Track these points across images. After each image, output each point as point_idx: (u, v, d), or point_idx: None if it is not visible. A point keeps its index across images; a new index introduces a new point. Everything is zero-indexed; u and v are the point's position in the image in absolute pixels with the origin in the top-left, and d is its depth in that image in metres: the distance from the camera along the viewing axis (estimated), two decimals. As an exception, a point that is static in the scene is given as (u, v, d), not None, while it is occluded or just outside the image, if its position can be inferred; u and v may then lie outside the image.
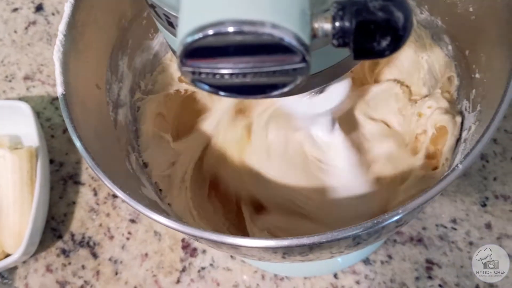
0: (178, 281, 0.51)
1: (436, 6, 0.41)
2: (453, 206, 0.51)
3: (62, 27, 0.35)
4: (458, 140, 0.40)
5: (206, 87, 0.21)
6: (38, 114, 0.61)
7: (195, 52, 0.19)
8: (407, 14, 0.19)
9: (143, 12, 0.43)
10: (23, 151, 0.53)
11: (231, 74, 0.20)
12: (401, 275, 0.49)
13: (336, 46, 0.20)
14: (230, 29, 0.18)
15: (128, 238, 0.54)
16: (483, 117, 0.34)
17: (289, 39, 0.19)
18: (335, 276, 0.50)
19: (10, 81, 0.65)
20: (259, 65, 0.20)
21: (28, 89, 0.64)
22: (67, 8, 0.35)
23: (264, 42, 0.19)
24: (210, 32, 0.19)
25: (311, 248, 0.30)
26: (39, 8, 0.70)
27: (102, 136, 0.38)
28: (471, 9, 0.36)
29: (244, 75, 0.20)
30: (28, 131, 0.55)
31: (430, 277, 0.48)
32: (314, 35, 0.20)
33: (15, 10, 0.70)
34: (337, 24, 0.19)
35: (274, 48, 0.19)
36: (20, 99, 0.62)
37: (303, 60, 0.19)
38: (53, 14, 0.69)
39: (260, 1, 0.18)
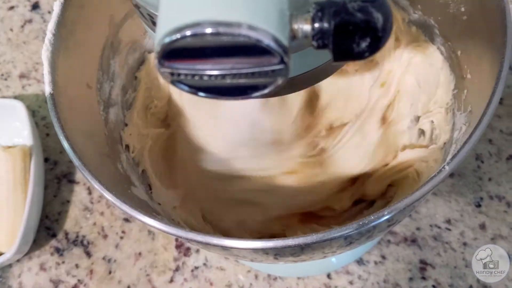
0: (171, 281, 0.51)
1: (429, 6, 0.41)
2: (448, 207, 0.51)
3: (51, 26, 0.34)
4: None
5: (186, 88, 0.21)
6: (33, 113, 0.61)
7: (173, 53, 0.19)
8: (386, 15, 0.19)
9: (134, 11, 0.43)
10: (17, 149, 0.53)
11: (210, 76, 0.20)
12: (394, 275, 0.49)
13: (316, 47, 0.20)
14: (208, 30, 0.18)
15: (122, 237, 0.54)
16: (474, 118, 0.34)
17: (267, 41, 0.18)
18: (329, 276, 0.50)
19: (5, 79, 0.65)
20: (238, 66, 0.19)
21: (23, 87, 0.64)
22: (56, 7, 0.35)
23: (241, 43, 0.18)
24: (188, 33, 0.18)
25: (302, 248, 0.30)
26: (35, 7, 0.69)
27: (92, 136, 0.38)
28: (463, 9, 0.36)
29: (223, 76, 0.20)
30: (23, 130, 0.55)
31: (423, 278, 0.48)
32: (293, 36, 0.20)
33: (11, 8, 0.70)
34: (316, 25, 0.19)
35: (252, 49, 0.19)
36: (15, 97, 0.62)
37: (282, 61, 0.19)
38: (49, 12, 0.69)
39: (238, 1, 0.18)
